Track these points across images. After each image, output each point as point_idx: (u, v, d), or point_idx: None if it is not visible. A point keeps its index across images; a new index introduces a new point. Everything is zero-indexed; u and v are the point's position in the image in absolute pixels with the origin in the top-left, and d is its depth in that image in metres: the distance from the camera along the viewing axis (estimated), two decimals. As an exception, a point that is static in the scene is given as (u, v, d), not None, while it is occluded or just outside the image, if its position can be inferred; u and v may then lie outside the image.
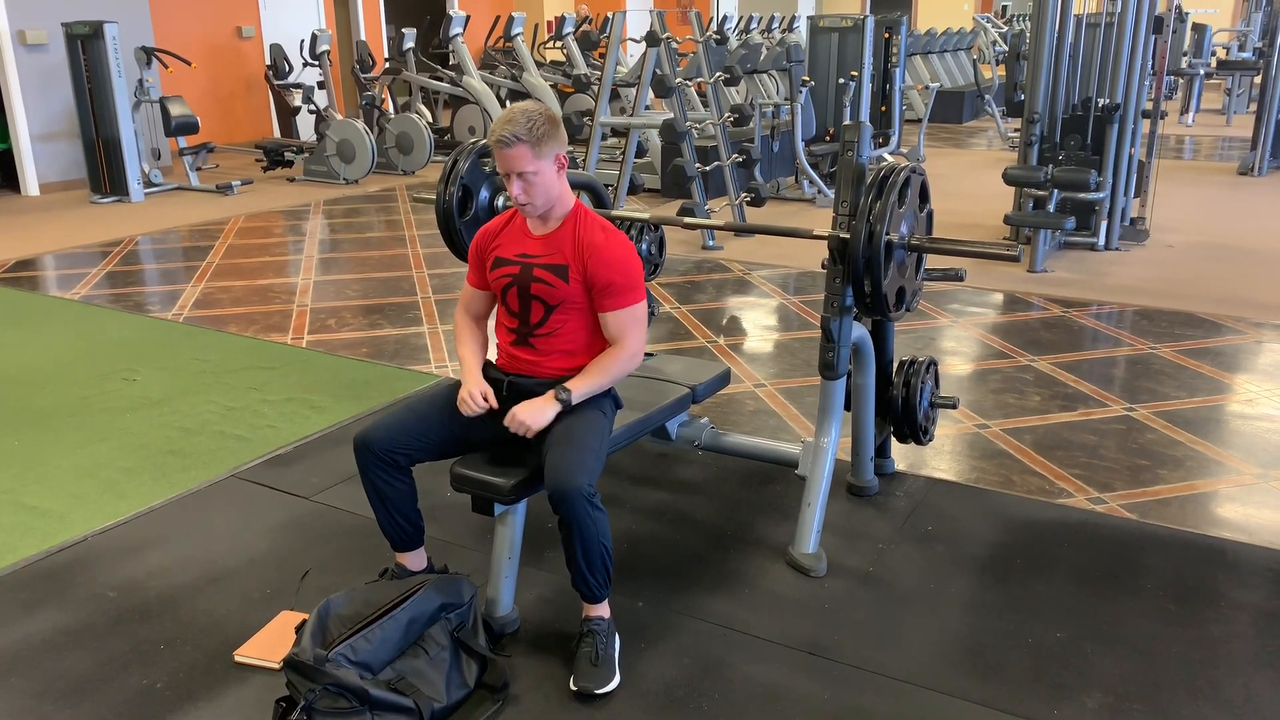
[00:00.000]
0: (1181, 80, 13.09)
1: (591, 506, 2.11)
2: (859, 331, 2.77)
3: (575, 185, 3.41)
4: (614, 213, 3.08)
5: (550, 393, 2.28)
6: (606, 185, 6.95)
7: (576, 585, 2.21)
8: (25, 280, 5.68)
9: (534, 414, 2.25)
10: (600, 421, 2.31)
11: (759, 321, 4.92)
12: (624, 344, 2.34)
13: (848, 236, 2.49)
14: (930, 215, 2.67)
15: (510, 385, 2.39)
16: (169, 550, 2.77)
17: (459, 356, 2.49)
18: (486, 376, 2.41)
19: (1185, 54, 12.96)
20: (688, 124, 6.34)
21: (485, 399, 2.32)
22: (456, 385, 2.38)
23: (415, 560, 2.46)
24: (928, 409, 3.10)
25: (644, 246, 3.33)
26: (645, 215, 3.08)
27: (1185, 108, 12.75)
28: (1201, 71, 12.48)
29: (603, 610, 2.26)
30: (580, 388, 2.29)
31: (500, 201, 3.10)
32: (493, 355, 2.51)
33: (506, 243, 2.42)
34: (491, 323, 2.55)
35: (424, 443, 2.32)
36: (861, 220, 2.44)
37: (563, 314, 2.35)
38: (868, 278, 2.47)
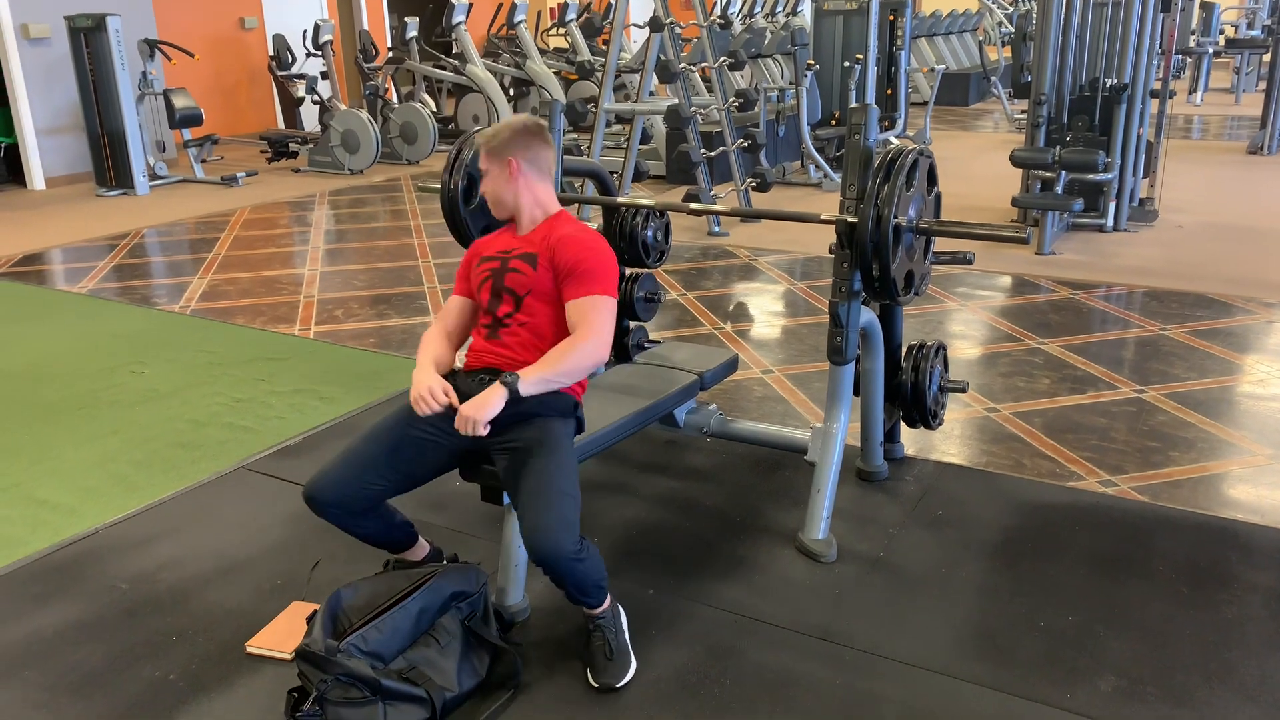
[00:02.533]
0: (1190, 59, 12.98)
1: (578, 560, 2.05)
2: (867, 316, 2.76)
3: (580, 173, 3.41)
4: (619, 199, 3.07)
5: (496, 382, 2.16)
6: (611, 172, 6.92)
7: (575, 602, 2.18)
8: (33, 274, 5.69)
9: (479, 407, 2.11)
10: (567, 456, 2.19)
11: (766, 307, 4.90)
12: (582, 331, 2.22)
13: (856, 220, 2.47)
14: (938, 198, 2.66)
15: (475, 382, 2.26)
16: (180, 542, 2.78)
17: (417, 360, 2.35)
18: (449, 381, 2.28)
19: (1193, 32, 12.84)
20: (692, 109, 6.31)
21: (445, 394, 2.19)
22: (408, 419, 2.26)
23: (415, 553, 2.46)
24: (937, 393, 3.08)
25: (649, 233, 3.32)
26: (651, 201, 3.07)
27: (1194, 87, 12.66)
28: (1210, 50, 12.37)
29: (604, 607, 2.23)
30: (531, 375, 2.16)
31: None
32: (460, 364, 2.42)
33: (492, 243, 2.44)
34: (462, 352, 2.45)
35: (373, 489, 2.21)
36: (869, 204, 2.43)
37: (532, 303, 2.29)
38: (876, 262, 2.45)
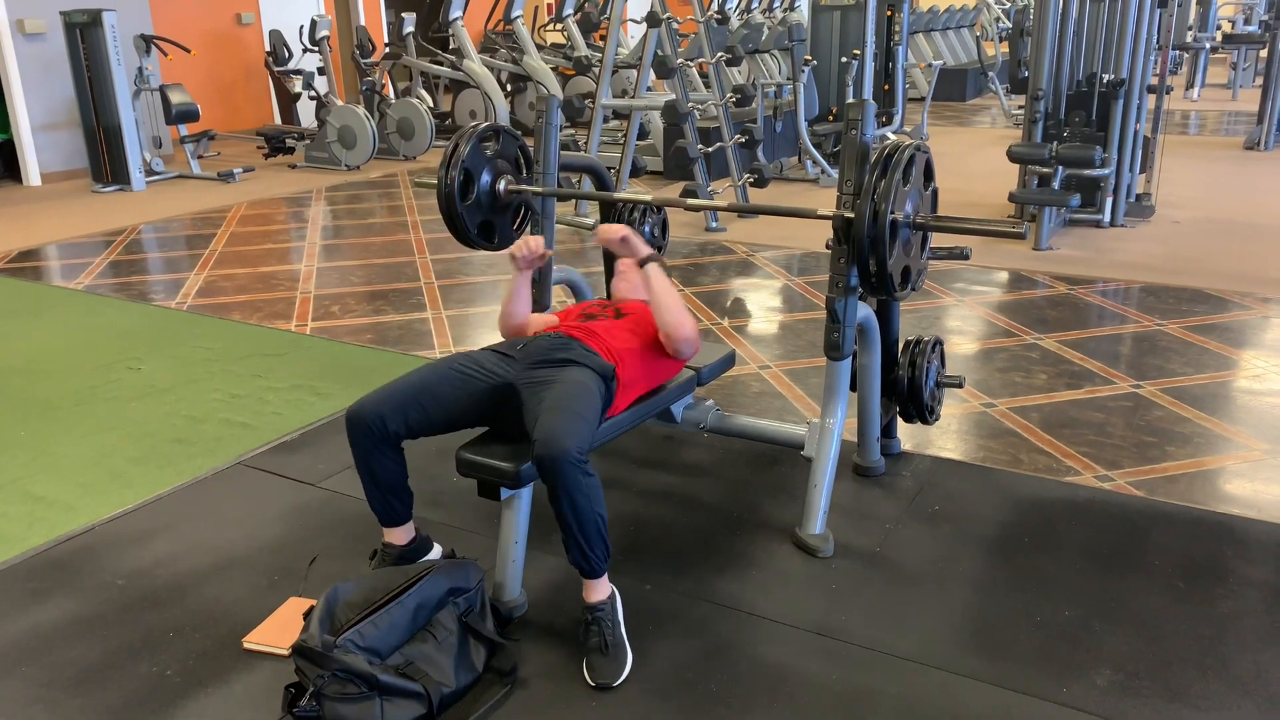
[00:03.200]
0: (1187, 55, 12.98)
1: (582, 473, 2.09)
2: (864, 312, 2.76)
3: (577, 168, 3.42)
4: (616, 195, 3.06)
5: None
6: (609, 168, 6.92)
7: (574, 560, 2.19)
8: (29, 270, 5.68)
9: (621, 228, 2.55)
10: (593, 393, 2.32)
11: (763, 303, 4.90)
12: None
13: (852, 216, 2.47)
14: (935, 194, 2.65)
15: (548, 340, 2.47)
16: (177, 538, 2.78)
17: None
18: (524, 344, 2.50)
19: (1190, 28, 12.86)
20: (690, 105, 6.30)
21: (537, 246, 2.57)
22: (456, 357, 2.44)
23: (402, 535, 2.45)
24: (934, 389, 3.09)
25: (646, 229, 3.31)
26: (648, 197, 3.06)
27: (1190, 82, 12.67)
28: (1207, 45, 12.37)
29: (603, 592, 2.24)
30: (660, 272, 2.54)
31: (502, 186, 3.08)
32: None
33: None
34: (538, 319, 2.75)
35: (410, 416, 2.29)
36: (866, 199, 2.42)
37: (627, 311, 2.65)
38: (873, 257, 2.45)
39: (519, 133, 3.18)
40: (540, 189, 3.06)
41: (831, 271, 2.62)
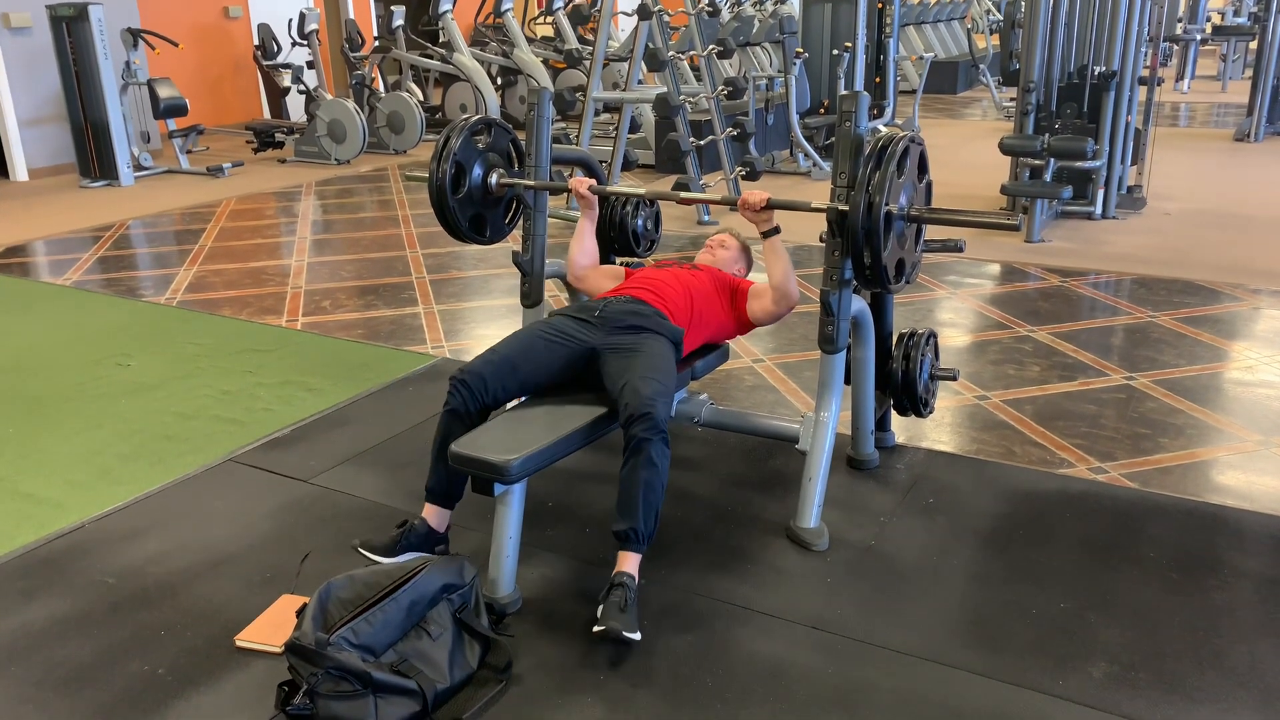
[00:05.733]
0: (1176, 46, 13.00)
1: (665, 441, 2.29)
2: (858, 304, 2.75)
3: (569, 161, 3.40)
4: (608, 189, 3.05)
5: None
6: (601, 161, 6.91)
7: (624, 527, 2.26)
8: (16, 266, 5.63)
9: (767, 195, 2.67)
10: (672, 363, 2.56)
11: (756, 296, 4.88)
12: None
13: (846, 208, 2.46)
14: (929, 186, 2.64)
15: (616, 303, 2.66)
16: (167, 536, 2.76)
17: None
18: (594, 309, 2.68)
19: (1180, 20, 12.88)
20: (681, 98, 6.28)
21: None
22: (540, 324, 2.65)
23: (439, 519, 2.53)
24: (928, 381, 3.08)
25: (639, 222, 3.30)
26: (640, 190, 3.05)
27: (1180, 74, 12.68)
28: (1197, 37, 12.39)
29: (635, 566, 2.30)
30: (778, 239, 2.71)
31: (493, 179, 3.07)
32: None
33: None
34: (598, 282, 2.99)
35: (517, 377, 2.49)
36: (860, 191, 2.42)
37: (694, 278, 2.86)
38: (867, 250, 2.44)
39: (510, 126, 3.16)
40: (532, 182, 3.05)
41: (825, 264, 2.62)
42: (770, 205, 2.68)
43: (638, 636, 2.19)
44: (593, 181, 3.04)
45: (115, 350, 4.23)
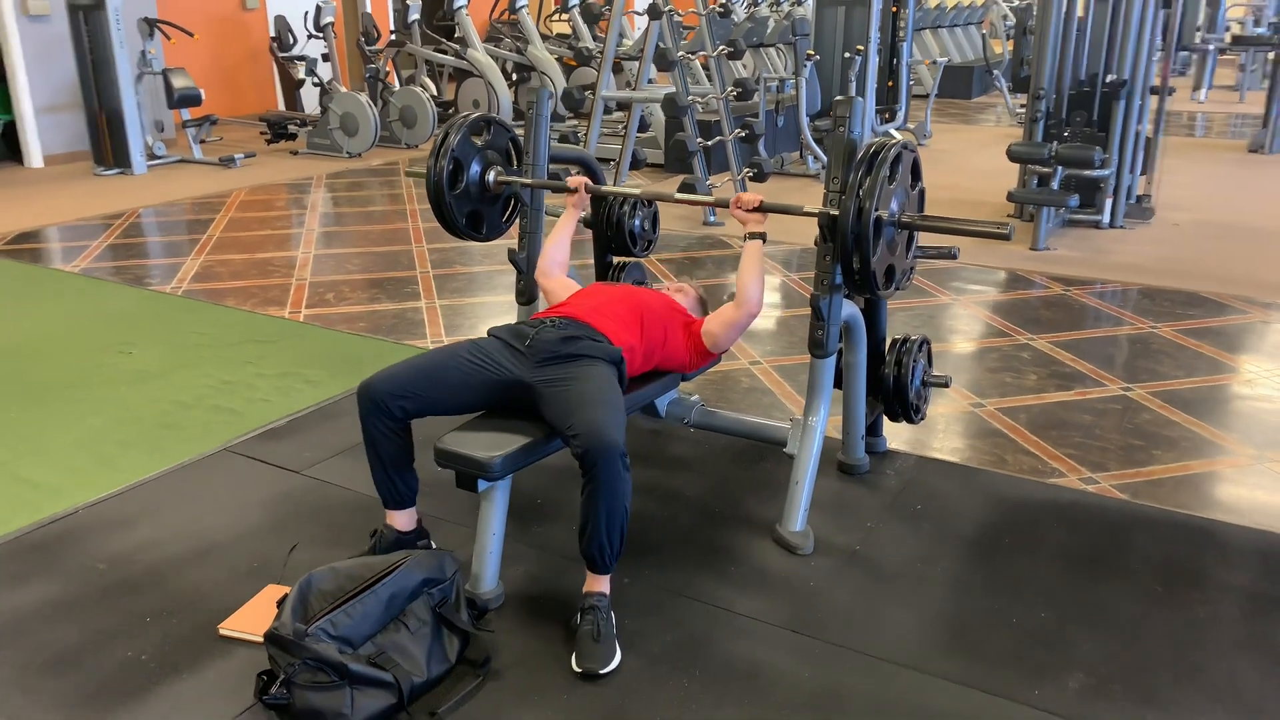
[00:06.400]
0: (1195, 56, 12.91)
1: (624, 466, 2.17)
2: (849, 309, 2.75)
3: (567, 160, 3.41)
4: (604, 189, 3.06)
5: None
6: (610, 161, 6.92)
7: (589, 551, 2.22)
8: (27, 252, 5.68)
9: (759, 198, 2.66)
10: (615, 385, 2.42)
11: (758, 298, 4.88)
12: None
13: (837, 213, 2.46)
14: (922, 193, 2.65)
15: (540, 334, 2.48)
16: (159, 523, 2.78)
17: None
18: (533, 329, 2.53)
19: (1199, 29, 12.79)
20: (690, 98, 6.29)
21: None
22: (465, 345, 2.49)
23: (404, 520, 2.49)
24: (919, 388, 3.08)
25: (636, 222, 3.31)
26: (636, 190, 3.06)
27: (1198, 84, 12.60)
28: (1214, 47, 12.30)
29: (605, 585, 2.27)
30: (761, 249, 2.67)
31: (491, 177, 3.08)
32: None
33: None
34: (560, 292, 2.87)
35: (416, 395, 2.36)
36: (850, 196, 2.42)
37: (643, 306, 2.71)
38: (856, 255, 2.44)
39: (510, 124, 3.17)
40: (529, 180, 3.06)
41: (817, 269, 2.62)
42: (763, 208, 2.66)
43: (616, 662, 2.18)
44: (587, 180, 3.03)
45: (119, 338, 4.26)
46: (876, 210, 2.40)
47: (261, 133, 9.25)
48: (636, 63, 7.22)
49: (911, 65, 9.09)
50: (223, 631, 2.30)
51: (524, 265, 3.12)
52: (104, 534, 2.73)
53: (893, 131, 8.70)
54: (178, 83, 8.12)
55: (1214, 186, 7.38)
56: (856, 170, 2.43)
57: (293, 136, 9.06)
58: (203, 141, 8.56)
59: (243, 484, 3.01)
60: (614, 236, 3.31)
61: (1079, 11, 6.06)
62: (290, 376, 3.83)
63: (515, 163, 3.19)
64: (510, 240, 3.28)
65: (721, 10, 6.84)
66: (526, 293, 3.15)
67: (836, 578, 2.52)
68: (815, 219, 2.57)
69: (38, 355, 4.07)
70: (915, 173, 2.60)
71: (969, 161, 8.43)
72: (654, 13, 6.25)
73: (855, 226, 2.41)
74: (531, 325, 2.55)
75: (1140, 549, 2.64)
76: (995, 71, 11.41)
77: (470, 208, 3.09)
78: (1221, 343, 4.18)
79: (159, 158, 8.25)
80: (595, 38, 9.73)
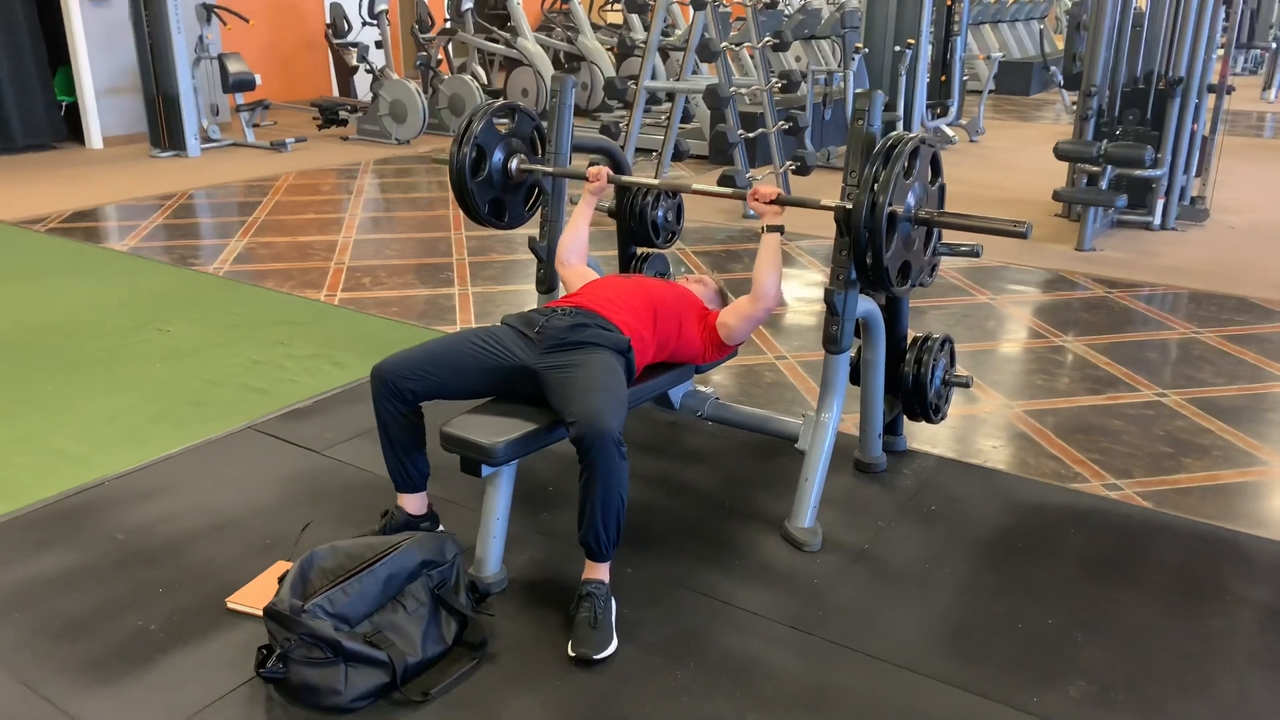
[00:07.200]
0: (1267, 54, 12.50)
1: (619, 454, 2.16)
2: (867, 306, 2.72)
3: (592, 149, 3.40)
4: (622, 178, 3.06)
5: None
6: (652, 151, 6.90)
7: (586, 539, 2.22)
8: (80, 230, 5.84)
9: (778, 190, 2.62)
10: (619, 373, 2.40)
11: (791, 293, 4.85)
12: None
13: (851, 207, 2.43)
14: (942, 189, 2.60)
15: (549, 323, 2.48)
16: (179, 497, 2.85)
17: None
18: (543, 317, 2.53)
19: (1271, 27, 12.39)
20: (731, 89, 6.25)
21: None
22: (477, 331, 2.50)
23: (415, 504, 2.52)
24: (940, 387, 3.03)
25: (660, 213, 3.30)
26: (654, 181, 3.05)
27: (1268, 83, 12.21)
28: (1286, 45, 11.91)
29: (603, 573, 2.27)
30: (779, 242, 2.66)
31: (514, 164, 3.09)
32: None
33: None
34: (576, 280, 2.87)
35: (425, 379, 2.37)
36: (865, 190, 2.39)
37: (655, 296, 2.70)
38: (870, 250, 2.41)
39: (535, 112, 3.18)
40: (551, 169, 3.07)
41: (833, 264, 2.59)
42: (780, 200, 2.64)
43: (612, 649, 2.18)
44: (608, 170, 3.01)
45: (159, 316, 4.36)
46: (891, 205, 2.37)
47: (314, 118, 9.39)
48: (682, 53, 7.20)
49: (966, 60, 8.93)
50: (230, 605, 2.35)
51: (544, 254, 3.13)
52: (125, 506, 2.80)
53: (945, 128, 8.57)
54: (233, 67, 8.27)
55: (1275, 189, 7.15)
56: (872, 164, 2.40)
57: (344, 123, 9.18)
58: (256, 125, 8.71)
59: (264, 462, 3.07)
60: (637, 228, 3.30)
61: (1136, 5, 5.90)
62: (319, 358, 3.89)
63: (540, 151, 3.19)
64: (533, 229, 3.29)
65: (768, 2, 6.77)
66: (547, 281, 3.16)
67: (842, 576, 2.49)
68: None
69: (79, 331, 4.18)
70: (935, 167, 2.56)
71: (1020, 159, 8.27)
72: (698, 3, 6.22)
73: (868, 221, 2.37)
74: (542, 313, 2.56)
75: (1158, 558, 2.57)
76: (1053, 68, 11.16)
77: (493, 195, 3.11)
78: (1266, 350, 4.05)
79: (213, 141, 8.42)
80: (646, 27, 9.71)
